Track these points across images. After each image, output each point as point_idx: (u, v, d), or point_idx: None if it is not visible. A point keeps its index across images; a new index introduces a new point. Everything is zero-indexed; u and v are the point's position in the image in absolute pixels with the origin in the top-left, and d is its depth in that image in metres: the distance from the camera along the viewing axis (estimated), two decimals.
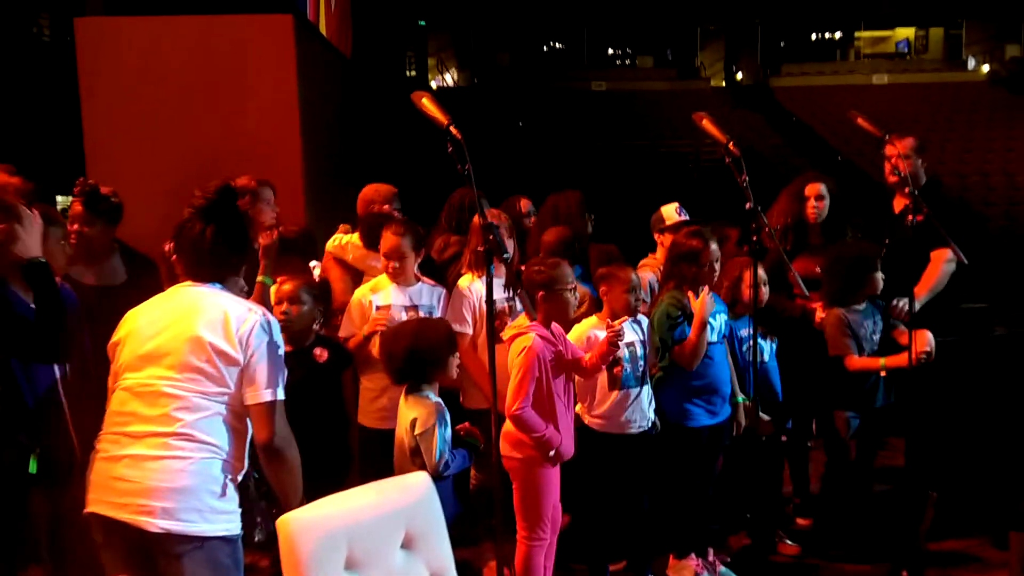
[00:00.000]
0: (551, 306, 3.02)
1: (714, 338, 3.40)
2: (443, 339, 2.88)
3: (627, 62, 23.97)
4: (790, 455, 3.96)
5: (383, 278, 3.48)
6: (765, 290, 3.53)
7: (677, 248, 3.41)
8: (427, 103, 2.38)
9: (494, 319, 2.37)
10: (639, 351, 3.28)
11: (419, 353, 2.81)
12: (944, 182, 12.12)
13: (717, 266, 3.40)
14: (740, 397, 3.57)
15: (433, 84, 21.03)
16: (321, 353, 3.16)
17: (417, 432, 2.76)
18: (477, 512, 3.46)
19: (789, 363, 3.80)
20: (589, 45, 22.87)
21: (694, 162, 13.96)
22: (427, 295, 3.49)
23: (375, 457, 3.30)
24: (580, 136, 14.51)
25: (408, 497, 2.10)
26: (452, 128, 2.33)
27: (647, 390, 3.31)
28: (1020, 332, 7.08)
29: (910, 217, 3.31)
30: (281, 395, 2.14)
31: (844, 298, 3.68)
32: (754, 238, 2.88)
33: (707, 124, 2.99)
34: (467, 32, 21.60)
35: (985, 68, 19.58)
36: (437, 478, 2.72)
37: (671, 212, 4.04)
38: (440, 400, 2.87)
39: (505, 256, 2.30)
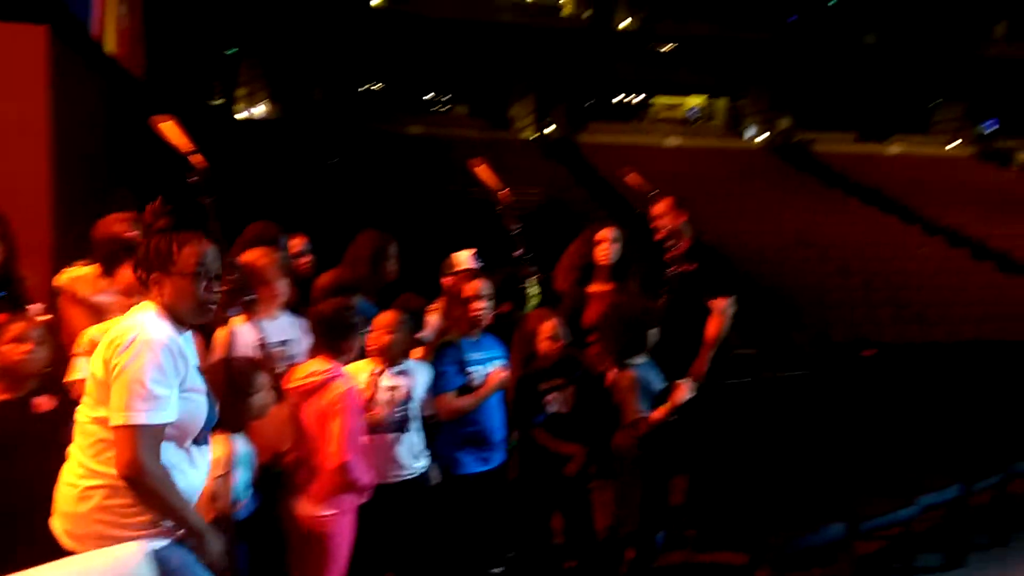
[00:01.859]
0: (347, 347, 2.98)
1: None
2: (221, 383, 2.68)
3: (443, 109, 24.32)
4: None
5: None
6: (559, 344, 3.57)
7: (448, 291, 3.38)
8: (167, 128, 2.19)
9: (229, 361, 2.18)
10: (402, 397, 3.17)
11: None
12: (723, 240, 13.29)
13: (481, 304, 3.32)
14: (514, 441, 3.56)
15: (242, 115, 20.19)
16: (44, 402, 2.78)
17: (215, 474, 2.60)
18: None
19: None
20: (406, 89, 22.97)
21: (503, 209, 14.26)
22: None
23: None
24: (392, 178, 14.42)
25: (117, 571, 1.86)
26: (194, 157, 2.16)
27: (410, 438, 3.20)
28: (783, 376, 7.91)
29: (673, 269, 3.50)
30: (144, 420, 2.00)
31: (627, 356, 3.60)
32: (521, 285, 2.90)
33: (481, 171, 3.00)
34: (280, 65, 20.99)
35: (762, 137, 21.79)
36: (229, 526, 2.58)
37: (462, 258, 3.89)
38: (244, 442, 2.75)
39: (247, 298, 2.15)
